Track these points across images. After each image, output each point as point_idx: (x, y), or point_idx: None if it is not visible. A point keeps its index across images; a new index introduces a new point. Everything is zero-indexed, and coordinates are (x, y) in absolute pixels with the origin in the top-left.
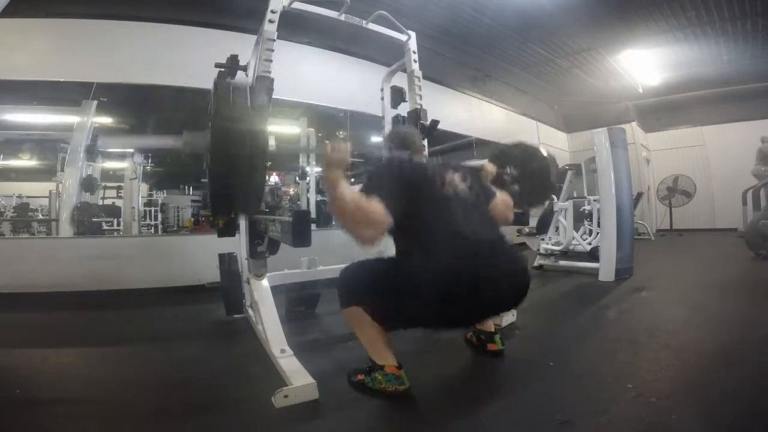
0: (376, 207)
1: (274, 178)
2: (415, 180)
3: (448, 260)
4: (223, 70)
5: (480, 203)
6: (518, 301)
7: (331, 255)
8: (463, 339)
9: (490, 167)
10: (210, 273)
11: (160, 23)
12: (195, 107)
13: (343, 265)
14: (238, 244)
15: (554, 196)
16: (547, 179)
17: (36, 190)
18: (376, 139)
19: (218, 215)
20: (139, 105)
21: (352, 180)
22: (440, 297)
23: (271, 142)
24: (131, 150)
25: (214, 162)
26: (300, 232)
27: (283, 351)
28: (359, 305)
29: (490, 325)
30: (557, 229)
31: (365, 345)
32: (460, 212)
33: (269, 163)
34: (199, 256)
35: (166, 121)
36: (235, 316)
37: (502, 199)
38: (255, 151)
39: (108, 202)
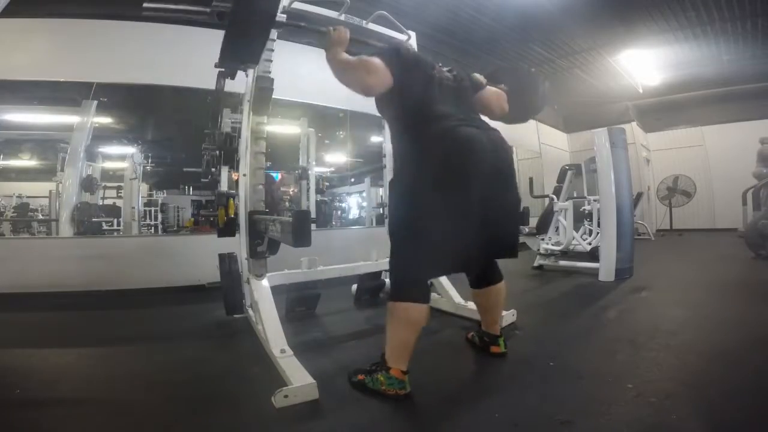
0: (377, 61)
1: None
2: (411, 55)
3: (447, 132)
4: (223, 70)
5: (465, 88)
6: (504, 171)
7: (331, 255)
8: (465, 339)
9: (481, 77)
10: (210, 273)
11: (160, 23)
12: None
13: (343, 265)
14: (238, 244)
15: (554, 196)
16: (535, 93)
17: (36, 190)
18: (376, 138)
19: None
20: (139, 105)
21: (352, 180)
22: (444, 183)
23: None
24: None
25: None
26: (300, 232)
27: (283, 351)
28: (412, 301)
29: (496, 327)
30: (557, 229)
31: (390, 342)
32: (447, 94)
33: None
34: (199, 256)
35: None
36: (235, 316)
37: (493, 90)
38: None
39: (108, 202)
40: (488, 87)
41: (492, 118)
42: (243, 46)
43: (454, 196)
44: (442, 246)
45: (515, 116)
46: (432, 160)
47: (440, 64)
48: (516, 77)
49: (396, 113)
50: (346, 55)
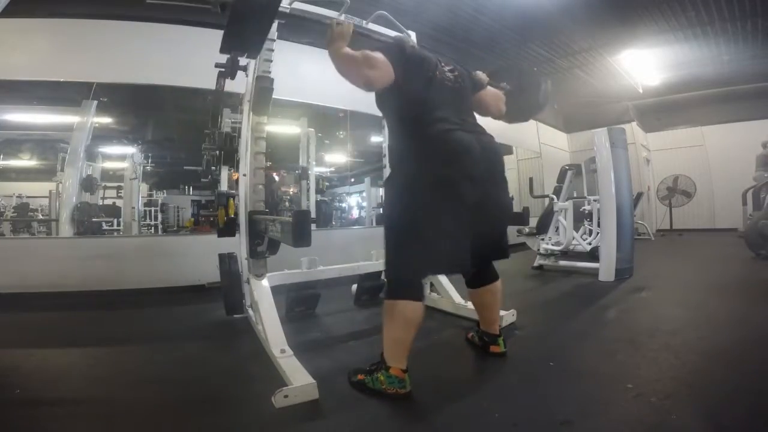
0: (380, 56)
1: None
2: (415, 53)
3: (443, 133)
4: (223, 70)
5: (465, 89)
6: (495, 175)
7: (331, 255)
8: (465, 339)
9: (483, 76)
10: (210, 273)
11: (160, 23)
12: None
13: (343, 265)
14: (238, 244)
15: (554, 196)
16: (535, 92)
17: (36, 190)
18: (376, 138)
19: None
20: (139, 105)
21: (352, 180)
22: (440, 178)
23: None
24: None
25: None
26: (300, 232)
27: (283, 351)
28: (408, 299)
29: (495, 327)
30: (557, 229)
31: (387, 342)
32: (447, 94)
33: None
34: (199, 256)
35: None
36: (235, 316)
37: (492, 91)
38: None
39: (108, 202)
40: (488, 87)
41: (491, 117)
42: (245, 35)
43: (448, 197)
44: (435, 245)
45: (516, 115)
46: (426, 162)
47: (443, 63)
48: (518, 76)
49: (395, 110)
50: (348, 50)
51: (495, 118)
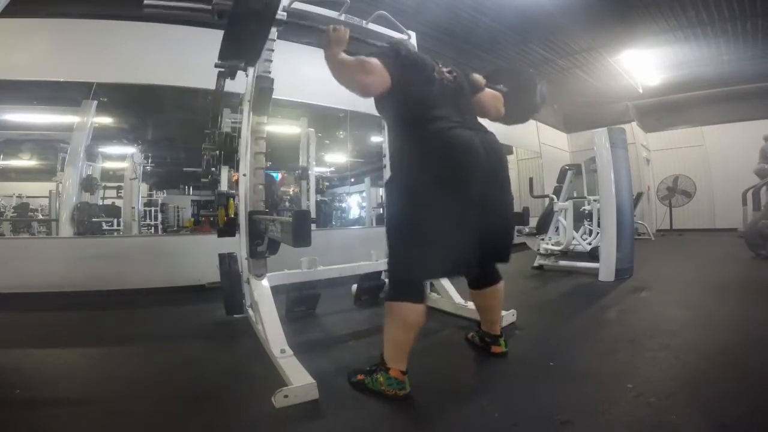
0: (375, 61)
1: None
2: (411, 56)
3: (444, 133)
4: (223, 70)
5: (464, 89)
6: (498, 174)
7: (331, 255)
8: (465, 339)
9: (480, 78)
10: (210, 273)
11: (160, 23)
12: (195, 107)
13: (343, 265)
14: (238, 244)
15: (554, 197)
16: (531, 93)
17: (36, 190)
18: (376, 138)
19: None
20: (139, 105)
21: (353, 180)
22: (442, 181)
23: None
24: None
25: None
26: (300, 232)
27: (283, 351)
28: (410, 301)
29: (496, 327)
30: (557, 229)
31: (387, 343)
32: (447, 94)
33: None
34: (199, 256)
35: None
36: (235, 316)
37: (491, 93)
38: None
39: (108, 202)
40: (486, 89)
41: (489, 119)
42: (243, 43)
43: (450, 198)
44: (438, 247)
45: (513, 117)
46: (428, 162)
47: (440, 64)
48: (514, 78)
49: (394, 113)
50: (344, 55)
51: (493, 120)
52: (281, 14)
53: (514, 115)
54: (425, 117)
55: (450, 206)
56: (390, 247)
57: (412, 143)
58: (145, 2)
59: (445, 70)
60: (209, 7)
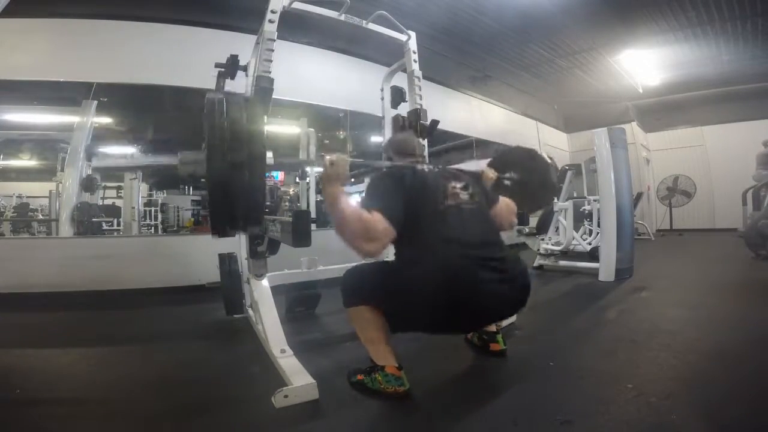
0: (379, 220)
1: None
2: (416, 191)
3: (447, 268)
4: (223, 70)
5: (482, 210)
6: (518, 306)
7: (331, 255)
8: (464, 339)
9: (491, 173)
10: (210, 273)
11: (160, 23)
12: (194, 107)
13: (343, 265)
14: (238, 244)
15: (554, 197)
16: (548, 181)
17: (36, 190)
18: (376, 139)
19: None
20: (139, 105)
21: (352, 180)
22: (440, 303)
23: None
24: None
25: (211, 185)
26: (300, 232)
27: (283, 351)
28: (364, 304)
29: (492, 326)
30: (557, 229)
31: (366, 345)
32: (461, 222)
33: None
34: (199, 256)
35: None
36: (235, 316)
37: (505, 203)
38: (253, 171)
39: (108, 202)
40: (500, 200)
41: (501, 230)
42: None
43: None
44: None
45: (532, 206)
46: (423, 283)
47: (454, 180)
48: (521, 161)
49: (400, 241)
50: (344, 203)
51: (504, 230)
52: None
53: (532, 204)
54: (433, 244)
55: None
56: (353, 271)
57: (415, 257)
58: None
59: (458, 186)
60: None
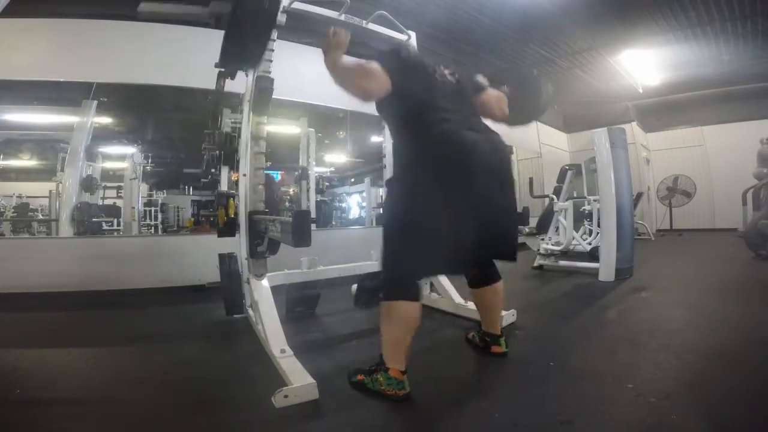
0: (376, 66)
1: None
2: (411, 58)
3: (445, 142)
4: (223, 70)
5: (466, 93)
6: (503, 174)
7: (331, 255)
8: (465, 339)
9: (484, 79)
10: (210, 273)
11: (159, 23)
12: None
13: (343, 265)
14: (238, 244)
15: (554, 197)
16: (536, 91)
17: (36, 190)
18: (376, 139)
19: None
20: (139, 105)
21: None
22: (449, 182)
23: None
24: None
25: None
26: (300, 232)
27: (283, 351)
28: (403, 299)
29: (497, 327)
30: (557, 229)
31: (385, 342)
32: (449, 98)
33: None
34: (199, 256)
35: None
36: (235, 316)
37: (494, 93)
38: None
39: (108, 202)
40: (489, 89)
41: (493, 120)
42: (243, 48)
43: (452, 198)
44: (435, 246)
45: (517, 119)
46: (431, 162)
47: (442, 67)
48: (518, 79)
49: (396, 116)
50: (344, 60)
51: (497, 121)
52: (281, 17)
53: (518, 116)
54: (427, 119)
55: (448, 205)
56: (384, 245)
57: (415, 144)
58: (139, 7)
59: (447, 71)
60: (205, 12)
